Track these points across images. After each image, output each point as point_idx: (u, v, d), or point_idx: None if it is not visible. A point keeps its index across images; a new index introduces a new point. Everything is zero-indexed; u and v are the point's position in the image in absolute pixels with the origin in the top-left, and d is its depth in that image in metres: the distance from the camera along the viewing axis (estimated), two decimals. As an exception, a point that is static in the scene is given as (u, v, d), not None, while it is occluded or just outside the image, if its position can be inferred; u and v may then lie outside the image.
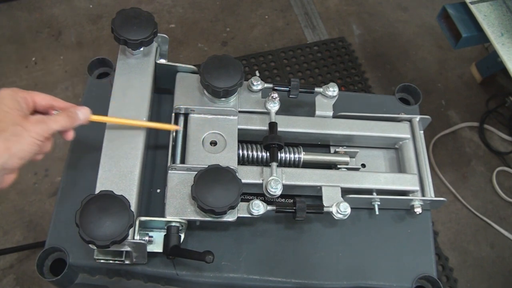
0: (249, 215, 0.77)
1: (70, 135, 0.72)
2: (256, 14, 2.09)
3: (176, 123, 0.83)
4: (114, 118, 0.77)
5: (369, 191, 0.85)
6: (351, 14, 2.14)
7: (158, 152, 0.88)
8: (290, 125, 0.87)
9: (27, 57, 1.90)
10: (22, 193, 1.60)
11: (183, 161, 0.80)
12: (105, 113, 0.77)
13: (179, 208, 0.75)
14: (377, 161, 0.93)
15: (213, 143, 0.82)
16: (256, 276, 0.80)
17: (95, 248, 0.71)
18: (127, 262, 0.76)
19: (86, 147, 0.86)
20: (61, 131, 0.70)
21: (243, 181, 0.75)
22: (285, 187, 0.79)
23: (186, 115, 0.84)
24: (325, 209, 0.79)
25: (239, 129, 0.84)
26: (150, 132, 0.87)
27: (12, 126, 0.62)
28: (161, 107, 0.93)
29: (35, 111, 0.69)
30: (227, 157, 0.80)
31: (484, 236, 1.67)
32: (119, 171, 0.73)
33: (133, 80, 0.82)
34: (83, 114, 0.71)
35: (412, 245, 0.86)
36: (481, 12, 1.34)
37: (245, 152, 0.84)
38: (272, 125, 0.84)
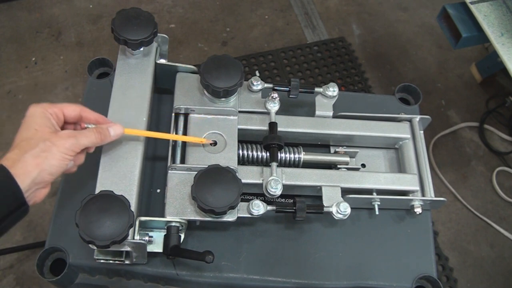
0: (249, 215, 0.77)
1: (92, 148, 0.71)
2: (256, 14, 2.09)
3: (176, 123, 0.83)
4: (147, 132, 0.77)
5: (369, 191, 0.85)
6: (351, 14, 2.14)
7: (158, 152, 0.88)
8: (290, 125, 0.87)
9: (27, 57, 1.90)
10: (22, 193, 1.60)
11: (183, 161, 0.80)
12: (105, 113, 0.77)
13: (179, 208, 0.75)
14: (377, 161, 0.93)
15: (213, 143, 0.82)
16: (256, 276, 0.80)
17: (95, 248, 0.71)
18: (127, 262, 0.76)
19: (86, 147, 0.86)
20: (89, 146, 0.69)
21: (243, 181, 0.75)
22: (285, 187, 0.79)
23: (186, 115, 0.84)
24: (325, 209, 0.79)
25: (239, 129, 0.84)
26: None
27: (42, 142, 0.62)
28: (161, 107, 0.93)
29: (66, 123, 0.70)
30: (227, 157, 0.80)
31: (484, 236, 1.67)
32: (119, 171, 0.73)
33: (133, 80, 0.82)
34: (115, 131, 0.71)
35: (412, 245, 0.86)
36: (481, 12, 1.34)
37: (245, 152, 0.84)
38: (272, 125, 0.84)
